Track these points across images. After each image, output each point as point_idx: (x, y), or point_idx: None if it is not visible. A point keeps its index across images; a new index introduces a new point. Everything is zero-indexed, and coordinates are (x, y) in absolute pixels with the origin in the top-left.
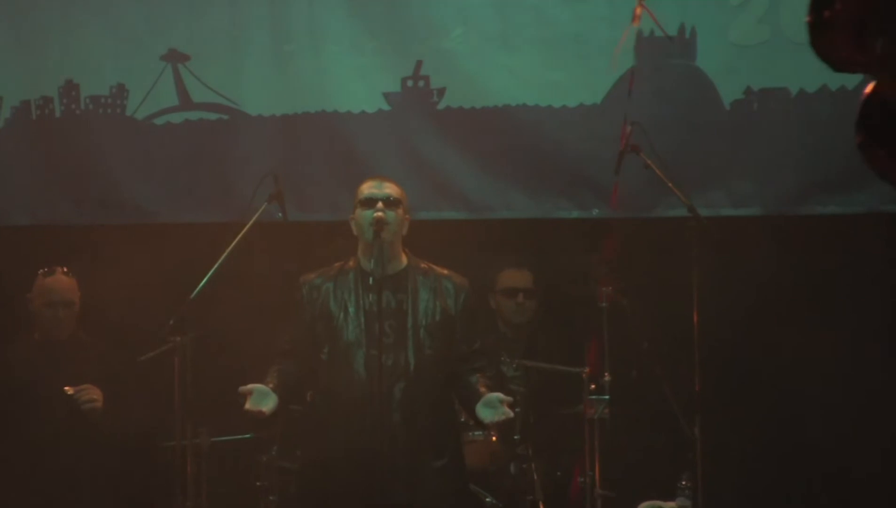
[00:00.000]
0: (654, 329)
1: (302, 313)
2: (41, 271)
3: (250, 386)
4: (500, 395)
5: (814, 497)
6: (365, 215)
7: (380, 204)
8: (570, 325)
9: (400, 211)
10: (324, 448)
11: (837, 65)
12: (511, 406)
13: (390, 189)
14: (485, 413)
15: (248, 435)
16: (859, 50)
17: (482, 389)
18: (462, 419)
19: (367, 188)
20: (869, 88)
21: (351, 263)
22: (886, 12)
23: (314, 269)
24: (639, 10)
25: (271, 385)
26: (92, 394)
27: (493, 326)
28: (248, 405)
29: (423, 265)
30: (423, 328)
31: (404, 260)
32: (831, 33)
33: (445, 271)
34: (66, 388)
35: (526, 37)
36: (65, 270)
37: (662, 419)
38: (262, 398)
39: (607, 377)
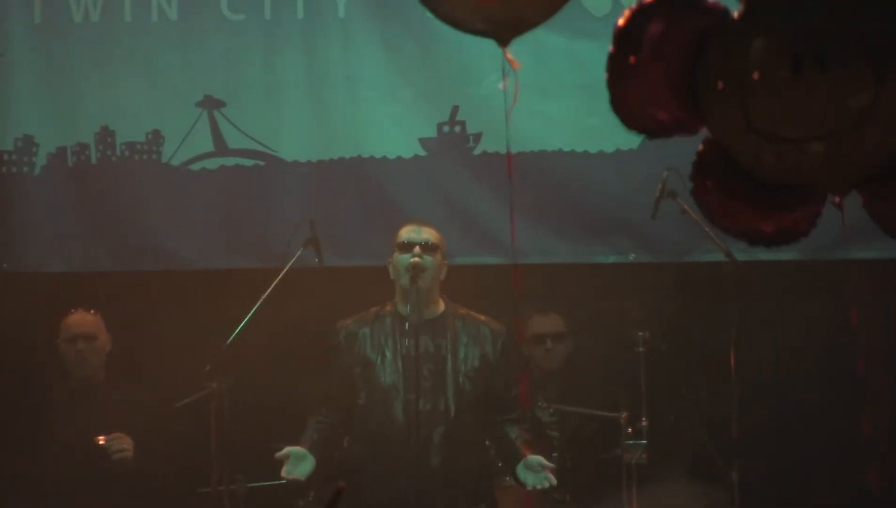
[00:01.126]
0: (691, 374)
1: (339, 358)
2: (66, 312)
3: (286, 451)
4: (541, 459)
5: None
6: (402, 259)
7: (417, 249)
8: (608, 369)
9: (438, 257)
10: (360, 497)
11: (648, 127)
12: (551, 471)
13: (428, 234)
14: (527, 478)
15: (284, 481)
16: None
17: (524, 450)
18: (499, 465)
19: (406, 233)
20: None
21: (388, 307)
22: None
23: (350, 314)
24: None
25: (307, 445)
26: (122, 443)
27: (527, 370)
28: (284, 473)
29: (461, 311)
30: (462, 374)
31: (442, 305)
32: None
33: (483, 317)
34: (98, 438)
35: (562, 82)
36: (91, 311)
37: (700, 464)
38: (298, 462)
39: (644, 422)
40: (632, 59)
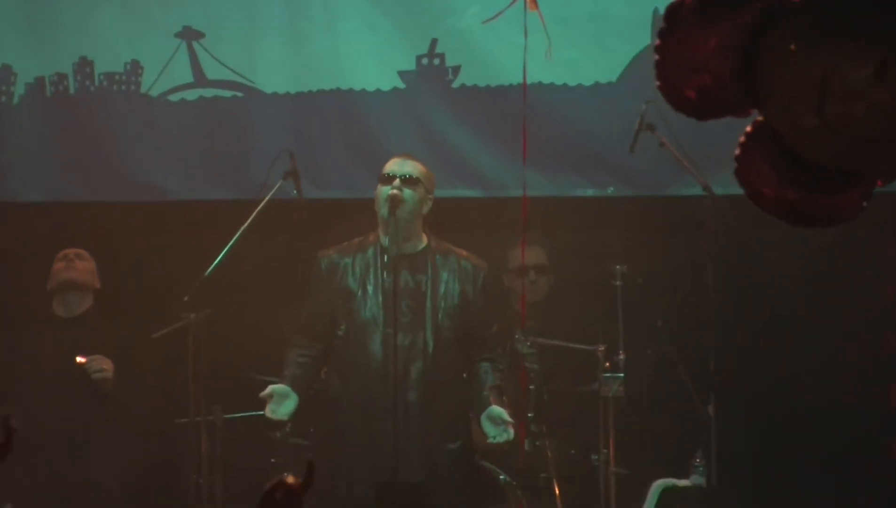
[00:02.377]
0: (668, 308)
1: (319, 288)
2: (59, 254)
3: (270, 390)
4: (502, 413)
5: (827, 476)
6: (382, 191)
7: (397, 181)
8: (586, 303)
9: (420, 190)
10: (337, 426)
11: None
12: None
13: (411, 168)
14: (488, 430)
15: (262, 412)
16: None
17: (491, 398)
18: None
19: (390, 165)
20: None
21: (371, 238)
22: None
23: (332, 244)
24: None
25: (289, 381)
26: (102, 364)
27: (507, 304)
28: (268, 412)
29: (443, 246)
30: (441, 310)
31: (424, 240)
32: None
33: (465, 253)
34: (78, 358)
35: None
36: (80, 253)
37: (677, 398)
38: (282, 400)
39: (622, 356)
40: (686, 26)
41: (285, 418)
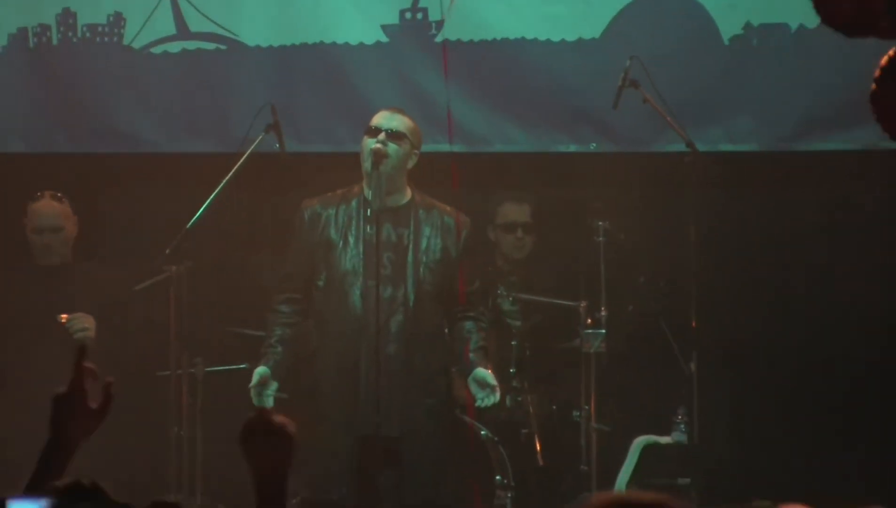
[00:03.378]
0: (650, 264)
1: (301, 238)
2: (32, 195)
3: (255, 379)
4: (486, 376)
5: (808, 434)
6: (367, 143)
7: (382, 135)
8: (568, 259)
9: (405, 145)
10: (316, 377)
11: (848, 30)
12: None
13: (398, 122)
14: (475, 391)
15: (243, 366)
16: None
17: (477, 360)
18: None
19: (376, 118)
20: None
21: (355, 190)
22: None
23: (316, 195)
24: None
25: (271, 363)
26: (84, 322)
27: (490, 259)
28: (254, 399)
29: (427, 201)
30: (423, 264)
31: (408, 194)
32: None
33: (448, 209)
34: (60, 316)
35: None
36: (58, 194)
37: (658, 355)
38: (263, 388)
39: (604, 312)
40: None
41: (270, 406)
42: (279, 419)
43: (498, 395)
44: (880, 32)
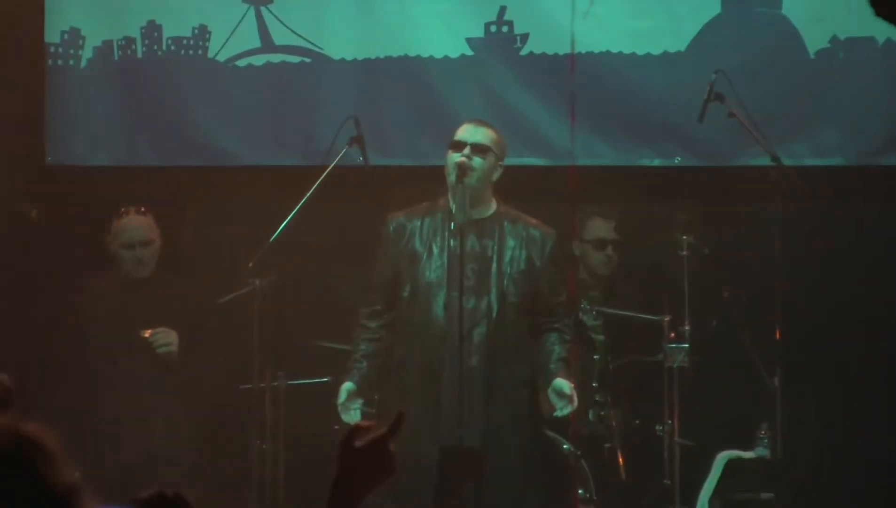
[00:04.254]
0: (734, 278)
1: (387, 250)
2: (117, 212)
3: (342, 396)
4: (563, 387)
5: (893, 451)
6: (452, 157)
7: (467, 149)
8: (651, 273)
9: (490, 158)
10: (400, 388)
11: None
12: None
13: (482, 135)
14: (554, 401)
15: (325, 379)
16: None
17: (558, 371)
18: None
19: (461, 131)
20: None
21: (441, 202)
22: None
23: (401, 208)
24: None
25: (357, 379)
26: (168, 338)
27: (575, 274)
28: (342, 415)
29: (512, 213)
30: (507, 276)
31: (493, 206)
32: None
33: (534, 221)
34: (144, 331)
35: None
36: (142, 209)
37: (742, 369)
38: (350, 405)
39: (687, 326)
40: None
41: (354, 420)
42: (391, 445)
43: (575, 404)
44: None
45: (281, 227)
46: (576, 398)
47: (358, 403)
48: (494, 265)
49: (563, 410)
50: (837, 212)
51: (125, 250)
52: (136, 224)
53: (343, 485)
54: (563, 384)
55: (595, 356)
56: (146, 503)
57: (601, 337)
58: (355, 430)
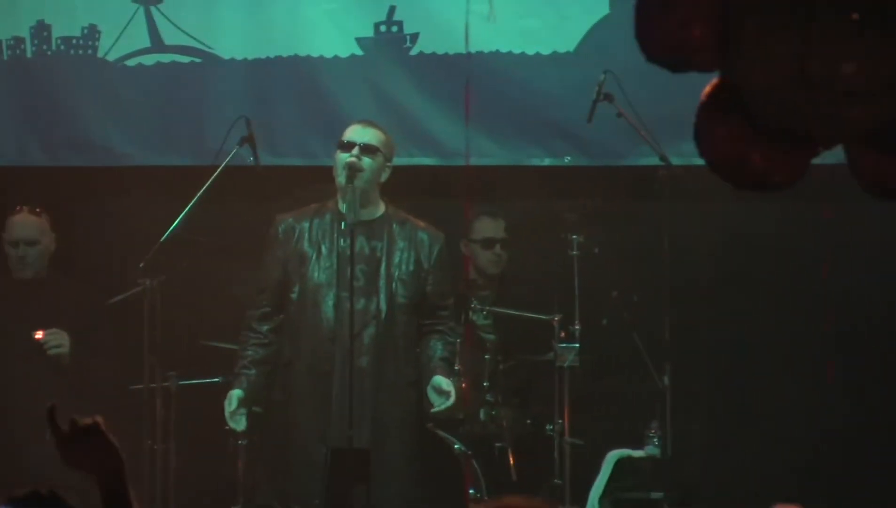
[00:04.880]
0: (624, 278)
1: (275, 251)
2: (12, 210)
3: (232, 404)
4: (441, 382)
5: (779, 448)
6: (341, 157)
7: (356, 149)
8: (541, 272)
9: (379, 158)
10: (289, 389)
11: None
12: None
13: (371, 136)
14: (433, 399)
15: (217, 379)
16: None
17: (437, 368)
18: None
19: (349, 132)
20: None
21: (329, 204)
22: None
23: (288, 209)
24: None
25: (244, 386)
26: (59, 339)
27: (463, 272)
28: (228, 421)
29: (400, 215)
30: (396, 278)
31: (382, 208)
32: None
33: (422, 224)
34: (35, 333)
35: None
36: (37, 210)
37: (632, 368)
38: (236, 415)
39: (577, 326)
40: None
41: (241, 429)
42: (86, 421)
43: (452, 400)
44: (699, 65)
45: (172, 227)
46: (454, 394)
47: (244, 411)
48: (383, 267)
49: (440, 406)
50: (725, 211)
51: (11, 247)
52: (26, 222)
53: (101, 487)
54: (441, 380)
55: (486, 356)
56: (21, 500)
57: (492, 337)
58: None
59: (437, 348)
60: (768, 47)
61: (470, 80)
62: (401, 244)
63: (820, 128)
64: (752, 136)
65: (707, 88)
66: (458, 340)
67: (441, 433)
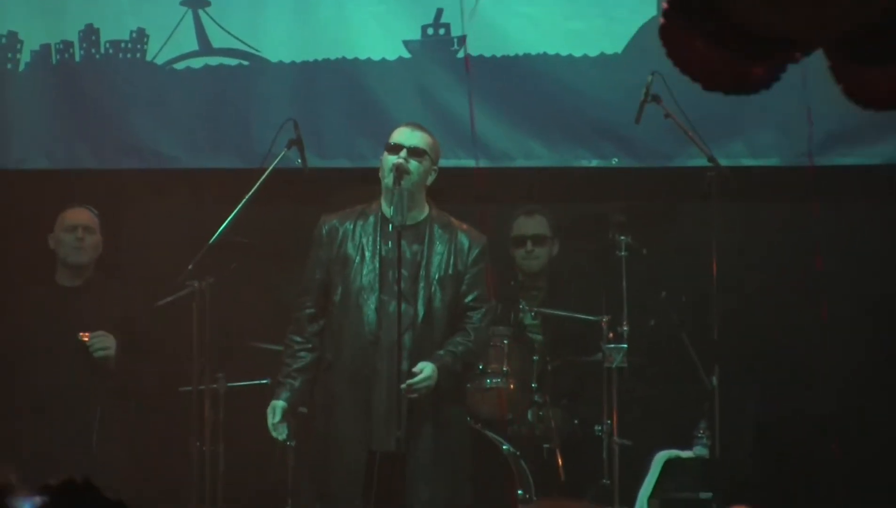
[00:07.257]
0: (672, 279)
1: (319, 252)
2: (67, 217)
3: (276, 416)
4: (424, 366)
5: (830, 447)
6: (388, 160)
7: (403, 152)
8: (590, 274)
9: (425, 161)
10: (331, 392)
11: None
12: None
13: (418, 139)
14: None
15: (264, 381)
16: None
17: (436, 358)
18: (480, 368)
19: (397, 134)
20: None
21: (374, 206)
22: None
23: (335, 211)
24: None
25: (286, 396)
26: (106, 341)
27: (513, 275)
28: (271, 431)
29: (443, 218)
30: (434, 281)
31: (426, 211)
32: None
33: (464, 227)
34: (81, 335)
35: None
36: (88, 225)
37: (680, 369)
38: (280, 425)
39: (626, 326)
40: None
41: (282, 439)
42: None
43: (422, 381)
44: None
45: (220, 229)
46: (426, 381)
47: (287, 423)
48: (423, 270)
49: (407, 383)
50: (773, 212)
51: (67, 233)
52: (82, 214)
53: None
54: (424, 364)
55: (534, 357)
56: (55, 490)
57: (540, 338)
58: None
59: (450, 342)
60: None
61: (517, 82)
62: (439, 248)
63: (798, 30)
64: (727, 40)
65: None
66: (506, 341)
67: (489, 433)
